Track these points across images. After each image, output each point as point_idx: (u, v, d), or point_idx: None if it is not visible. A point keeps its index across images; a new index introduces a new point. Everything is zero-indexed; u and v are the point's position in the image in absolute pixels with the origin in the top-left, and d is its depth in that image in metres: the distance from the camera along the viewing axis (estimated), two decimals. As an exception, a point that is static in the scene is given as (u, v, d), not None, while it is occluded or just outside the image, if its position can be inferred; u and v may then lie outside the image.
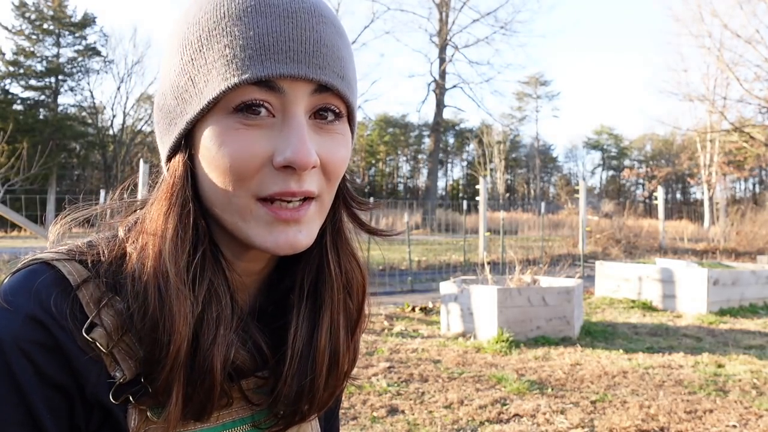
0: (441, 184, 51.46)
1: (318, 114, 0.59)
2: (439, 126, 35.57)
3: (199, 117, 0.57)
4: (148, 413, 0.57)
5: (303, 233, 0.59)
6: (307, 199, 0.58)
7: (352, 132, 0.64)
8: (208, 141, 0.56)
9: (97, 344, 0.55)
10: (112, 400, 0.56)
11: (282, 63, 0.54)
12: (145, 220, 0.60)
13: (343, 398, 3.73)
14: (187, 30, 0.58)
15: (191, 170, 0.59)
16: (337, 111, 0.60)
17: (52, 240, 0.65)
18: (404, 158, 54.81)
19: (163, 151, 0.62)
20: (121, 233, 0.62)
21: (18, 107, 30.00)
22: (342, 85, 0.59)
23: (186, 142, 0.59)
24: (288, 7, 0.56)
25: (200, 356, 0.57)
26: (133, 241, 0.60)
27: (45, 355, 0.54)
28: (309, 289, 0.67)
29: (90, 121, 33.56)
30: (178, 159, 0.59)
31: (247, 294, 0.67)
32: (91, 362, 0.55)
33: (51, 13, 30.73)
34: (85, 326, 0.55)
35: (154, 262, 0.57)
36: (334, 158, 0.60)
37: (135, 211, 0.64)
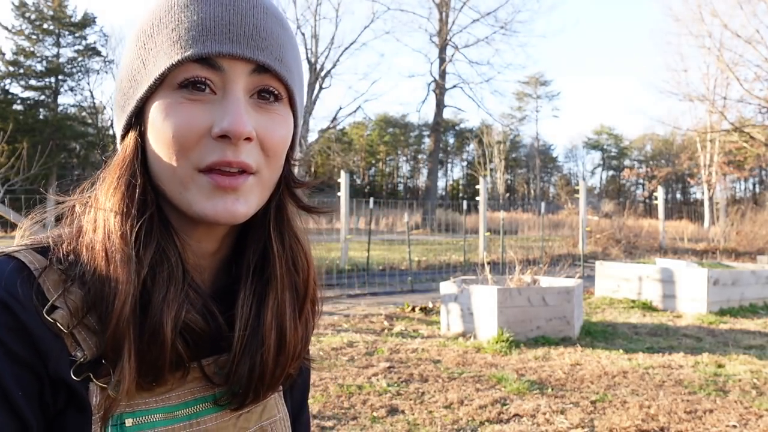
0: (441, 184, 51.51)
1: (259, 95, 0.63)
2: (439, 126, 35.55)
3: (148, 94, 0.61)
4: (109, 390, 0.59)
5: (240, 201, 0.62)
6: (245, 172, 0.61)
7: (295, 117, 0.67)
8: (154, 115, 0.61)
9: (58, 325, 0.58)
10: (73, 377, 0.58)
11: (221, 43, 0.59)
12: (97, 194, 0.64)
13: (338, 401, 3.72)
14: (143, 20, 0.64)
15: (141, 147, 0.63)
16: (277, 93, 0.64)
17: (18, 239, 0.67)
18: (404, 158, 54.82)
19: (118, 131, 0.66)
20: (78, 209, 0.66)
21: (18, 107, 29.95)
22: (280, 67, 0.63)
23: (137, 120, 0.63)
24: None
25: (151, 313, 0.59)
26: (87, 215, 0.64)
27: (11, 335, 0.56)
28: (255, 267, 0.69)
29: (90, 121, 33.53)
30: (130, 136, 0.64)
31: (204, 277, 0.69)
32: (54, 342, 0.58)
33: (51, 13, 30.70)
34: (46, 308, 0.58)
35: (103, 229, 0.61)
36: (272, 135, 0.63)
37: (92, 189, 0.67)
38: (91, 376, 0.59)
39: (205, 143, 0.60)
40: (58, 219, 0.69)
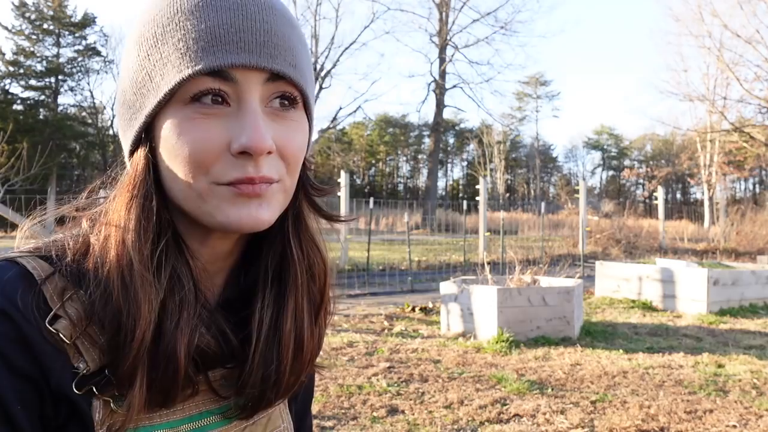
0: (441, 184, 51.50)
1: (273, 102, 0.61)
2: (439, 126, 35.55)
3: (157, 110, 0.58)
4: (112, 404, 0.58)
5: (264, 208, 0.60)
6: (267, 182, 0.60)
7: (310, 121, 0.66)
8: (167, 132, 0.58)
9: (61, 335, 0.56)
10: (75, 390, 0.57)
11: (233, 53, 0.56)
12: (108, 212, 0.61)
13: (338, 401, 3.72)
14: (143, 27, 0.60)
15: (152, 162, 0.60)
16: (292, 98, 0.62)
17: (19, 240, 0.66)
18: (404, 158, 54.81)
19: (126, 145, 0.64)
20: (84, 225, 0.64)
21: (18, 107, 29.96)
22: (295, 73, 0.60)
23: (146, 135, 0.60)
24: (238, 1, 0.58)
25: (164, 340, 0.58)
26: (97, 233, 0.61)
27: (12, 347, 0.54)
28: (273, 275, 0.68)
29: (90, 121, 33.55)
30: (140, 152, 0.60)
31: (214, 284, 0.68)
32: (56, 353, 0.56)
33: (51, 13, 30.70)
34: (48, 318, 0.56)
35: (118, 251, 0.58)
36: (291, 144, 0.61)
37: (99, 204, 0.66)
38: (94, 389, 0.57)
39: (224, 159, 0.57)
40: (60, 221, 0.67)
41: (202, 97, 0.57)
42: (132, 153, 0.62)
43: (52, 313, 0.56)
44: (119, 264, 0.57)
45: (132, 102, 0.61)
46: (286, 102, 0.61)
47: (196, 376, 0.62)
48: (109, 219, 0.60)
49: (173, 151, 0.58)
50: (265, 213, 0.60)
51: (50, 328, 0.56)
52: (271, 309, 0.66)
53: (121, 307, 0.56)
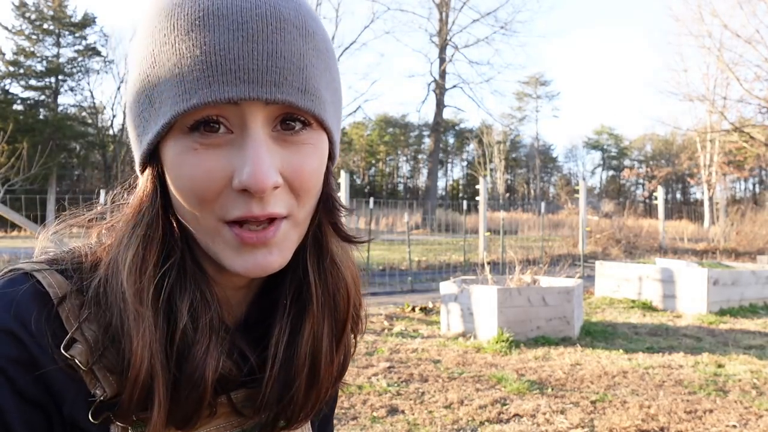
0: (441, 184, 51.49)
1: (282, 124, 0.55)
2: (439, 126, 35.55)
3: (158, 139, 0.55)
4: (130, 430, 0.56)
5: (273, 255, 0.56)
6: (276, 219, 0.55)
7: (330, 135, 0.59)
8: (169, 161, 0.55)
9: (76, 361, 0.53)
10: (91, 419, 0.54)
11: (231, 85, 0.50)
12: (114, 233, 0.59)
13: (339, 401, 3.71)
14: (143, 41, 0.55)
15: (161, 187, 0.57)
16: (304, 120, 0.55)
17: (41, 246, 0.64)
18: (404, 158, 54.79)
19: (136, 159, 0.60)
20: (94, 240, 0.61)
21: (18, 107, 29.96)
22: (303, 99, 0.54)
23: (152, 157, 0.57)
24: (238, 18, 0.51)
25: (191, 364, 0.56)
26: (105, 252, 0.59)
27: (22, 372, 0.52)
28: (291, 301, 0.65)
29: (90, 121, 33.54)
30: (147, 175, 0.57)
31: (233, 306, 0.66)
32: (69, 381, 0.54)
33: (51, 13, 30.69)
34: (63, 343, 0.53)
35: (115, 281, 0.56)
36: (302, 173, 0.55)
37: (112, 216, 0.64)
38: (111, 416, 0.55)
39: (228, 195, 0.53)
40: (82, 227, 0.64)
41: (201, 124, 0.52)
42: (142, 169, 0.59)
43: (67, 337, 0.54)
44: (115, 294, 0.55)
45: (137, 123, 0.57)
46: (299, 124, 0.55)
47: (216, 398, 0.60)
48: (114, 241, 0.58)
49: (177, 182, 0.54)
50: (275, 259, 0.56)
51: (65, 354, 0.53)
52: (288, 331, 0.64)
53: (121, 339, 0.54)
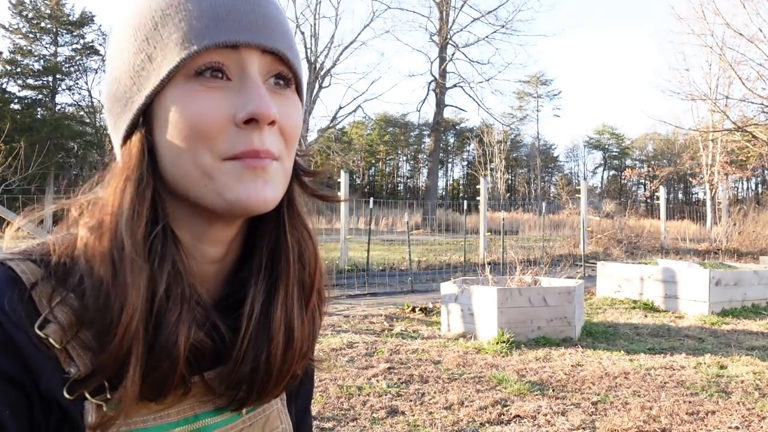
0: (441, 184, 51.46)
1: (269, 80, 0.62)
2: (440, 125, 35.52)
3: (159, 89, 0.58)
4: (105, 407, 0.56)
5: (270, 186, 0.60)
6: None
7: (301, 104, 0.67)
8: (170, 106, 0.57)
9: (50, 340, 0.55)
10: (66, 395, 0.55)
11: (236, 32, 0.58)
12: (99, 199, 0.60)
13: (338, 402, 3.69)
14: (139, 15, 0.60)
15: (149, 147, 0.59)
16: (288, 78, 0.63)
17: (8, 241, 0.65)
18: (404, 158, 54.80)
19: (117, 137, 0.62)
20: (74, 213, 0.62)
21: (15, 106, 29.87)
22: (291, 54, 0.62)
23: (144, 119, 0.60)
24: None
25: (165, 331, 0.57)
26: (87, 220, 0.60)
27: (0, 352, 0.54)
28: (266, 262, 0.67)
29: (88, 120, 33.48)
30: (135, 137, 0.59)
31: (208, 281, 0.67)
32: (45, 359, 0.55)
33: (48, 11, 30.64)
34: (37, 323, 0.55)
35: (110, 236, 0.57)
36: (290, 120, 0.62)
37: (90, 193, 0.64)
38: (86, 393, 0.56)
39: (229, 131, 0.57)
40: (56, 222, 0.65)
41: (205, 71, 0.58)
42: (125, 140, 0.60)
43: (41, 317, 0.55)
44: (110, 249, 0.56)
45: (128, 87, 0.59)
46: (281, 81, 0.62)
47: (190, 375, 0.61)
48: (101, 204, 0.59)
49: (176, 126, 0.57)
50: (271, 191, 0.60)
51: (39, 333, 0.54)
52: (262, 295, 0.66)
53: (108, 293, 0.55)
